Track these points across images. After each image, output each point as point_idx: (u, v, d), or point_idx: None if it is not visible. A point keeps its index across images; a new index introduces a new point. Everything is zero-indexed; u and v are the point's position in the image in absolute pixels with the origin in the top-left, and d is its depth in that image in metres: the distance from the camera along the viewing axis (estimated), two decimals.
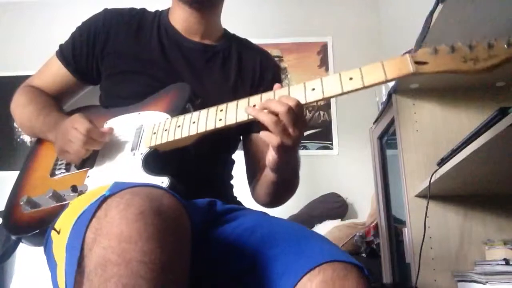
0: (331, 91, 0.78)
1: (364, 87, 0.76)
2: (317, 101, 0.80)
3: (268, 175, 0.97)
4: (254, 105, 0.83)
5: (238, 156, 1.16)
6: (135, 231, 0.56)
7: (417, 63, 0.73)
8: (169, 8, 1.16)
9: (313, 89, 0.80)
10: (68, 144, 0.93)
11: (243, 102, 0.85)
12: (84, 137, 0.91)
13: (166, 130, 0.91)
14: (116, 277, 0.54)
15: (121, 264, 0.54)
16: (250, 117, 0.82)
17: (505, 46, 0.69)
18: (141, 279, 0.54)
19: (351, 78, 0.77)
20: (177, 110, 0.94)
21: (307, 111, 3.13)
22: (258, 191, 1.06)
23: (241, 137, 1.15)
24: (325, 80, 0.79)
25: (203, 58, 1.10)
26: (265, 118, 0.77)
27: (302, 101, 0.79)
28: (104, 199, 0.61)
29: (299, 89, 0.81)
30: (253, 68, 1.14)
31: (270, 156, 0.85)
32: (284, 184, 1.00)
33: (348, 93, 0.77)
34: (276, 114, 0.77)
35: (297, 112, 0.77)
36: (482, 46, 0.70)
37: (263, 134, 0.79)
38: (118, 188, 0.62)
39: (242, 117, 0.83)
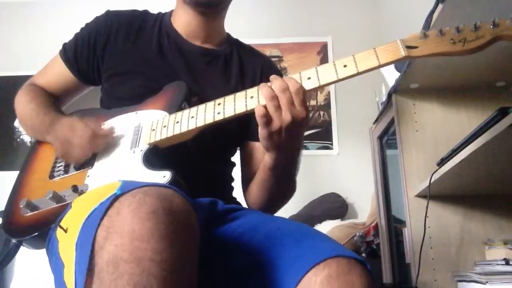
0: (326, 79, 0.80)
1: (359, 73, 0.78)
2: (314, 89, 0.82)
3: (262, 172, 0.98)
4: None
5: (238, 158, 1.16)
6: (147, 230, 0.57)
7: (408, 47, 0.76)
8: (172, 11, 1.16)
9: (309, 78, 0.82)
10: (71, 148, 0.94)
11: (240, 94, 0.86)
12: (88, 141, 0.93)
13: (165, 126, 0.92)
14: (128, 275, 0.54)
15: (133, 262, 0.55)
16: (248, 108, 0.84)
17: (491, 27, 0.72)
18: (152, 278, 0.54)
19: (345, 66, 0.79)
20: (174, 107, 0.95)
21: None
22: (251, 191, 1.06)
23: (239, 145, 1.15)
24: (320, 68, 0.82)
25: (203, 61, 1.10)
26: (265, 90, 0.81)
27: None
28: (115, 198, 0.62)
29: (295, 78, 0.82)
30: (254, 74, 1.14)
31: (259, 134, 0.85)
32: (278, 184, 1.00)
33: (343, 79, 0.80)
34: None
35: (295, 95, 0.80)
36: (469, 28, 0.73)
37: (257, 109, 0.81)
38: (129, 187, 0.63)
39: (240, 109, 0.85)
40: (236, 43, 1.19)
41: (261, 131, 0.83)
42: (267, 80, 1.12)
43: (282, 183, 0.99)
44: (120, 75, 1.07)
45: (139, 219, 0.57)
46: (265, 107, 0.81)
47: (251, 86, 1.11)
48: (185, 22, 1.11)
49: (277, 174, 0.95)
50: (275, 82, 0.81)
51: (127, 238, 0.56)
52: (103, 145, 0.95)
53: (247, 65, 1.15)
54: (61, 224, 0.75)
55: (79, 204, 0.74)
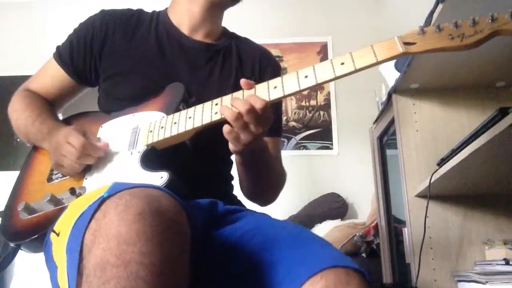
0: (323, 77, 0.79)
1: (356, 70, 0.77)
2: (311, 87, 0.81)
3: (237, 167, 1.01)
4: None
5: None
6: (134, 233, 0.56)
7: (405, 43, 0.74)
8: (166, 9, 1.16)
9: (306, 76, 0.81)
10: (62, 159, 0.93)
11: (238, 94, 0.86)
12: (78, 152, 0.91)
13: (162, 127, 0.91)
14: (115, 279, 0.54)
15: (120, 266, 0.54)
16: None
17: (489, 21, 0.71)
18: (140, 281, 0.54)
19: (342, 63, 0.78)
20: (172, 108, 0.95)
21: (307, 111, 3.13)
22: (240, 184, 1.08)
23: None
24: (317, 67, 0.81)
25: (203, 58, 1.10)
26: (227, 113, 0.81)
27: (296, 89, 0.81)
28: (102, 201, 0.61)
29: (292, 77, 0.82)
30: (253, 66, 1.14)
31: (230, 146, 0.87)
32: (259, 178, 1.03)
33: (341, 77, 0.79)
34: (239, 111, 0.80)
35: (260, 112, 0.80)
36: (467, 23, 0.72)
37: (224, 127, 0.83)
38: (116, 189, 0.62)
39: None
40: (234, 36, 1.20)
41: (232, 146, 0.86)
42: (265, 73, 1.11)
43: (262, 172, 1.01)
44: (119, 75, 1.06)
45: (126, 222, 0.57)
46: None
47: (250, 78, 1.13)
48: (189, 15, 1.11)
49: (250, 166, 0.98)
50: (237, 103, 0.81)
51: (114, 242, 0.56)
52: (95, 158, 0.94)
53: (245, 57, 1.15)
54: (54, 227, 0.75)
55: (71, 208, 0.74)
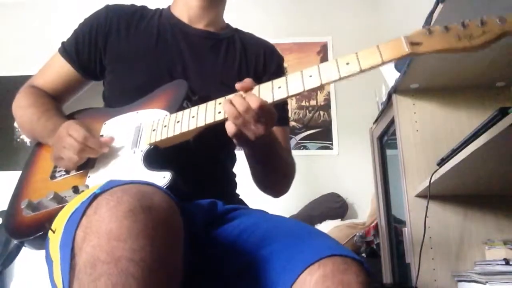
0: (328, 77, 0.78)
1: (362, 71, 0.76)
2: (315, 88, 0.80)
3: (247, 159, 1.00)
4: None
5: (240, 155, 1.16)
6: (125, 229, 0.56)
7: (412, 44, 0.73)
8: (169, 6, 1.18)
9: (311, 76, 0.79)
10: (62, 151, 0.93)
11: (240, 93, 0.85)
12: (79, 145, 0.91)
13: (165, 126, 0.91)
14: (106, 276, 0.53)
15: (111, 263, 0.54)
16: None
17: (498, 22, 0.69)
18: (131, 278, 0.53)
19: (347, 63, 0.77)
20: (175, 106, 0.94)
21: (307, 111, 3.13)
22: (252, 175, 1.07)
23: None
24: (322, 66, 0.79)
25: (207, 44, 1.12)
26: (227, 109, 0.81)
27: (300, 89, 0.79)
28: (94, 197, 0.61)
29: (297, 76, 0.80)
30: (257, 58, 1.16)
31: (235, 141, 0.87)
32: (269, 170, 1.02)
33: (346, 78, 0.77)
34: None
35: (258, 112, 0.79)
36: (475, 23, 0.71)
37: (226, 124, 0.83)
38: (109, 186, 0.62)
39: None
40: (237, 30, 1.21)
41: (236, 141, 0.85)
42: (269, 66, 1.11)
43: (269, 162, 1.00)
44: (123, 67, 1.07)
45: (117, 218, 0.56)
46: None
47: (254, 69, 1.14)
48: (188, 7, 1.13)
49: (257, 158, 0.97)
50: (235, 100, 0.80)
51: (104, 238, 0.55)
52: (98, 152, 0.93)
53: (249, 49, 1.16)
54: (52, 225, 0.75)
55: (68, 205, 0.74)
